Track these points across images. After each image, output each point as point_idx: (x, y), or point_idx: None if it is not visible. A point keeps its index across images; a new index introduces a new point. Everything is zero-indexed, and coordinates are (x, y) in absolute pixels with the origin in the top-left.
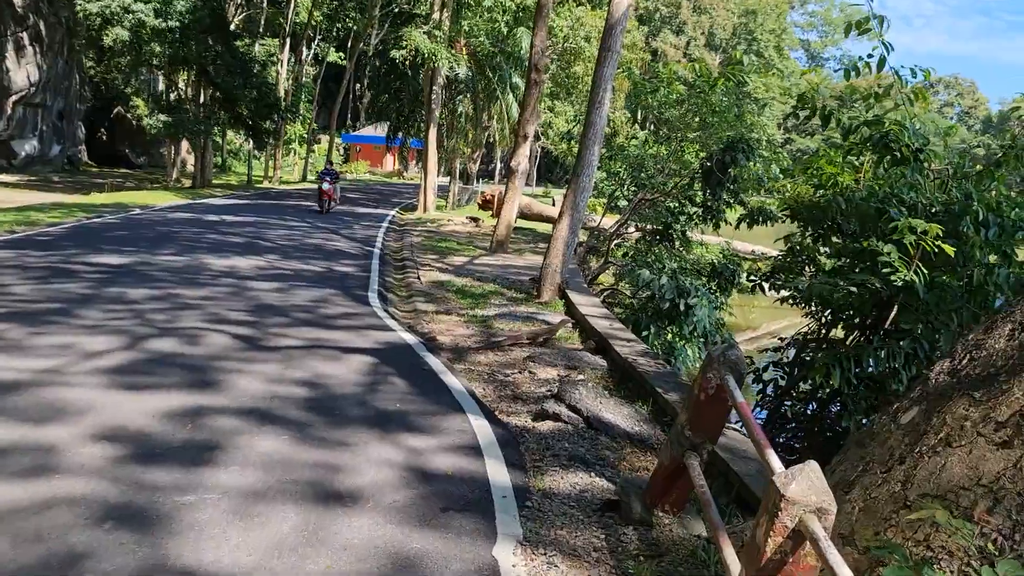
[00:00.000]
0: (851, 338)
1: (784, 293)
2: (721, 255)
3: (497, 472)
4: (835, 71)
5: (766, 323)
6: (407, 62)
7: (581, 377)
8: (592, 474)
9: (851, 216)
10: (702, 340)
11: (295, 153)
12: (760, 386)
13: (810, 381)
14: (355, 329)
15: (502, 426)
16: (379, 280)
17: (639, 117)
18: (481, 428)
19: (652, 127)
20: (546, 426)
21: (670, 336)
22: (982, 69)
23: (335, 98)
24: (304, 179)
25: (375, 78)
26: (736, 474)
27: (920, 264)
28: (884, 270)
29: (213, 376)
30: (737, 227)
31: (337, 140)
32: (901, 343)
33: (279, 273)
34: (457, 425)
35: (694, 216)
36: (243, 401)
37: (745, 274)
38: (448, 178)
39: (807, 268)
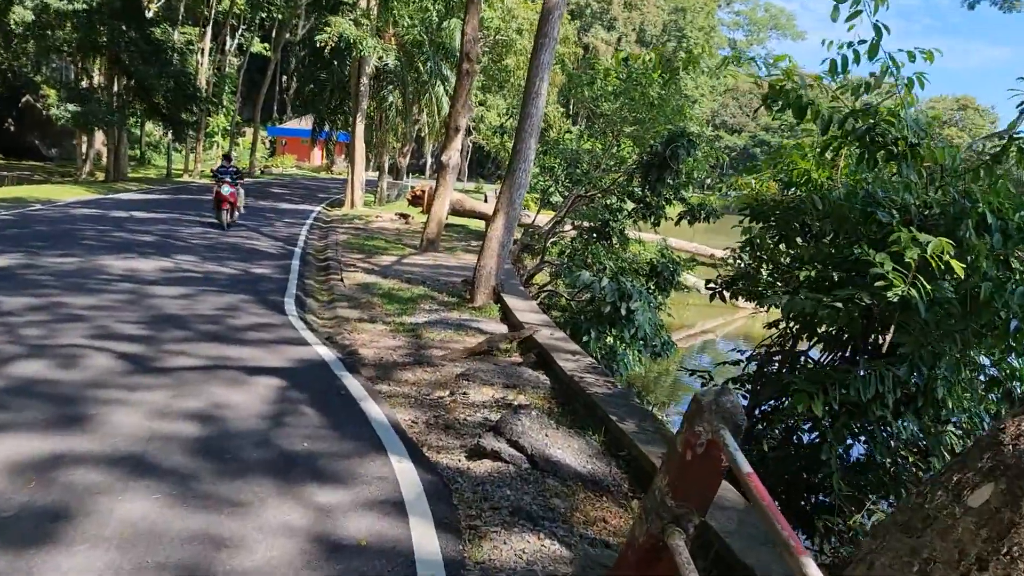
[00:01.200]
0: (828, 357)
1: (746, 304)
2: (660, 254)
3: (424, 537)
4: (819, 63)
5: (701, 321)
6: (333, 50)
7: (522, 399)
8: (541, 535)
9: (828, 218)
10: (642, 343)
11: (218, 146)
12: None
13: (781, 402)
14: (266, 344)
15: (431, 469)
16: (298, 283)
17: (573, 110)
18: (405, 474)
19: (586, 122)
20: (484, 467)
21: (611, 339)
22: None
23: (260, 89)
24: None
25: (301, 68)
26: (737, 557)
27: (919, 277)
28: (876, 283)
29: (83, 410)
30: (677, 224)
31: (262, 133)
32: (898, 370)
33: (187, 276)
34: (376, 470)
35: (632, 213)
36: (114, 445)
37: (704, 281)
38: (377, 173)
39: (764, 268)
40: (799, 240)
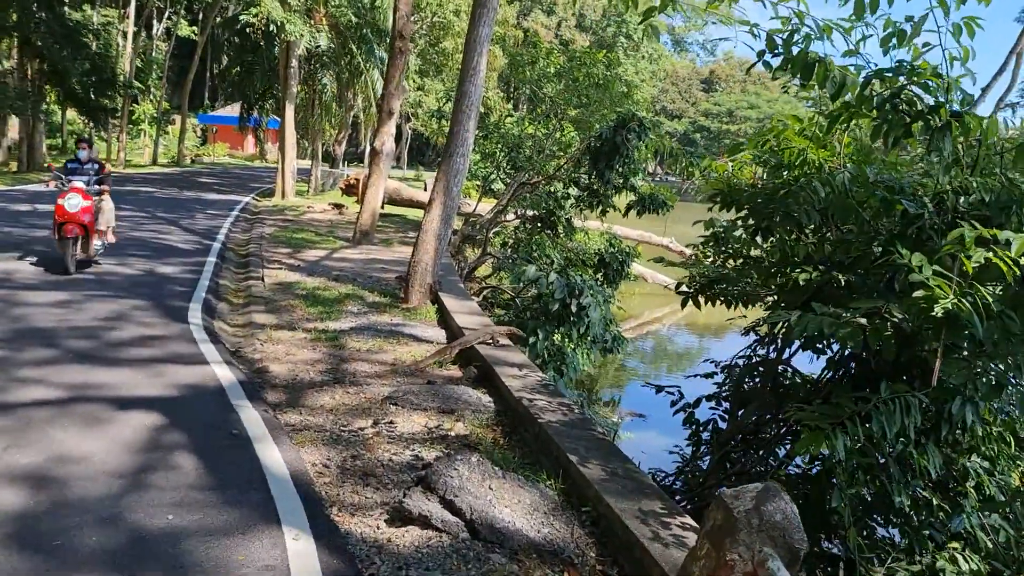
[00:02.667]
0: (824, 376)
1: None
2: (609, 244)
3: None
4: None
5: (648, 310)
6: (261, 32)
7: (460, 428)
8: None
9: (830, 208)
10: (593, 343)
11: (146, 134)
12: (691, 428)
13: (767, 422)
14: (151, 364)
15: (338, 548)
16: (211, 284)
17: (514, 94)
18: (302, 558)
19: (528, 106)
20: (410, 537)
21: (559, 338)
22: (835, 56)
23: (188, 75)
24: (155, 162)
25: (229, 52)
26: None
27: (976, 286)
28: (917, 294)
29: None
30: (626, 215)
31: (192, 121)
32: (944, 403)
33: (75, 279)
34: (263, 555)
35: (579, 201)
36: None
37: (674, 284)
38: (311, 161)
39: (731, 264)
40: (789, 235)
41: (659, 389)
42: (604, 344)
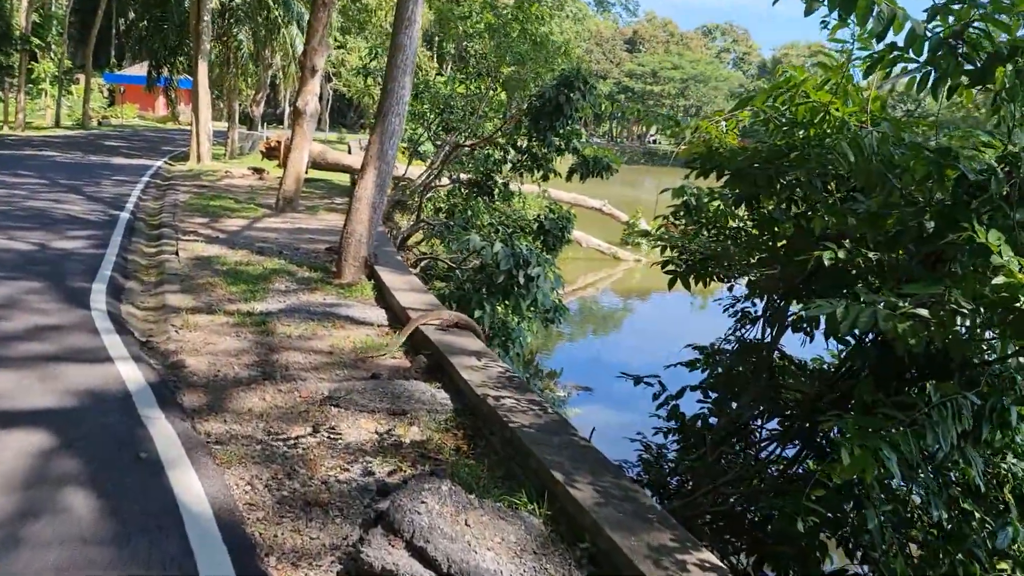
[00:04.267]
0: (840, 367)
1: (626, 255)
2: (549, 209)
3: None
4: None
5: (582, 275)
6: None
7: (415, 432)
8: None
9: (858, 172)
10: (542, 315)
11: (47, 95)
12: (676, 423)
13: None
14: (42, 364)
15: None
16: (117, 260)
17: (440, 52)
18: None
19: (458, 63)
20: None
21: (501, 310)
22: (753, 18)
23: (91, 31)
24: (57, 124)
25: (136, 6)
26: None
27: None
28: (997, 280)
29: None
30: (569, 179)
31: (99, 80)
32: (986, 399)
33: None
34: None
35: (518, 165)
36: None
37: (660, 264)
38: (227, 123)
39: (707, 234)
40: (785, 204)
41: (637, 381)
42: (547, 316)
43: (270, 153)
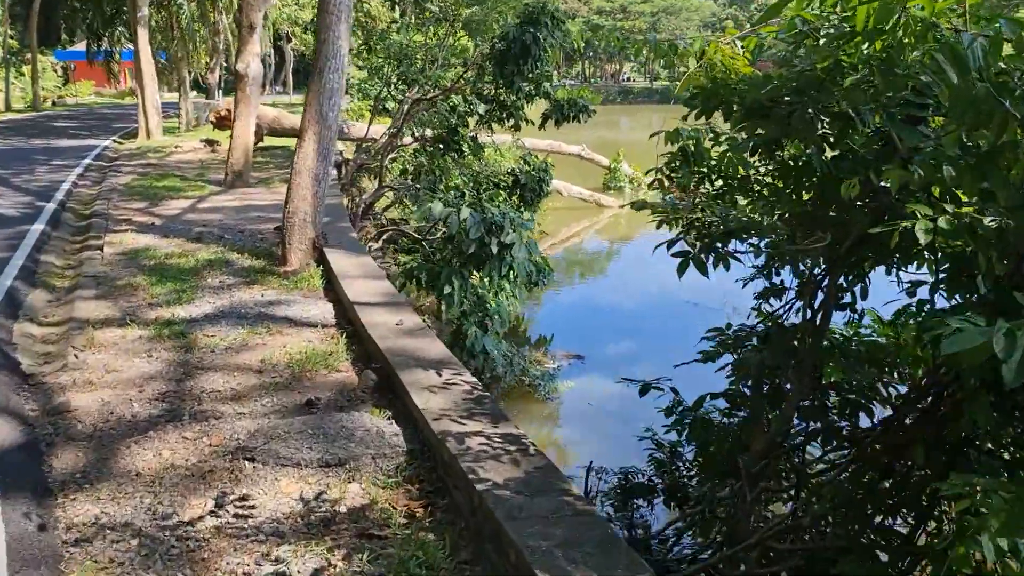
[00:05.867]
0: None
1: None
2: (524, 162)
3: None
4: None
5: (564, 227)
6: None
7: (356, 493)
8: None
9: (964, 102)
10: (523, 284)
11: None
12: (695, 444)
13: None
14: None
15: None
16: (25, 265)
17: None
18: None
19: (413, 10)
20: None
21: (476, 283)
22: None
23: (32, 6)
24: (8, 108)
25: None
26: None
27: None
28: None
29: None
30: (542, 127)
31: (51, 59)
32: None
33: None
34: None
35: (486, 116)
36: None
37: (677, 233)
38: (179, 93)
39: (706, 188)
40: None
41: (645, 389)
42: (530, 279)
43: (221, 123)
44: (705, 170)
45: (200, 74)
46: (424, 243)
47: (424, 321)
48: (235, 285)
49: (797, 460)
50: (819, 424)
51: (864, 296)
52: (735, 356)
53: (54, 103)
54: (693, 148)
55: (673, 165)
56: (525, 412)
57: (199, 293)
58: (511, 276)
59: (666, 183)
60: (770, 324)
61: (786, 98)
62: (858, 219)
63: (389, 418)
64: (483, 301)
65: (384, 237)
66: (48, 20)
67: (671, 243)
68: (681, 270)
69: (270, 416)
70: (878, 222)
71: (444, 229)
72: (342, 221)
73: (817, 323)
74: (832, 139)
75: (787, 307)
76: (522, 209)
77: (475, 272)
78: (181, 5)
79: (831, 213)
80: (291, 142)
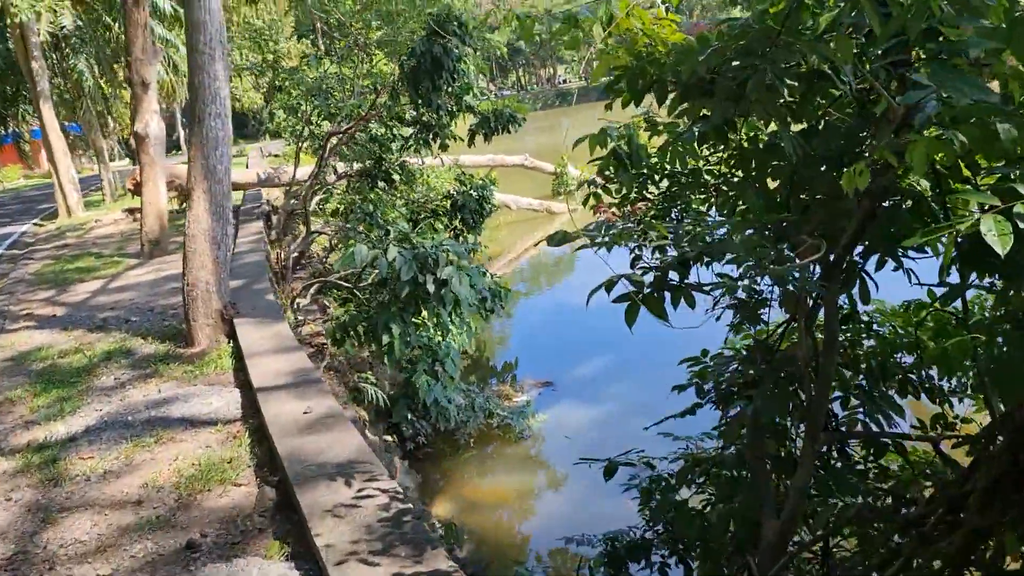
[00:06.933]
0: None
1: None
2: (459, 182)
3: None
4: None
5: (519, 240)
6: None
7: None
8: None
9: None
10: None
11: None
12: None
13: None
14: None
15: None
16: None
17: (302, 29)
18: None
19: (325, 41)
20: None
21: (422, 327)
22: None
23: None
24: None
25: None
26: None
27: None
28: None
29: None
30: (471, 144)
31: None
32: None
33: None
34: None
35: (411, 140)
36: None
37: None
38: (98, 164)
39: (652, 192)
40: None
41: (610, 471)
42: (484, 308)
43: (138, 189)
44: (646, 171)
45: (123, 139)
46: (356, 291)
47: (352, 394)
48: (130, 381)
49: (827, 547)
50: (850, 499)
51: (866, 300)
52: (718, 399)
53: None
54: (627, 148)
55: (607, 173)
56: (499, 458)
57: (86, 399)
58: (456, 312)
59: (603, 197)
60: (758, 361)
61: (733, 63)
62: (847, 210)
63: (288, 558)
64: (430, 346)
65: (312, 290)
66: None
67: (609, 285)
68: (630, 317)
69: (138, 574)
70: (875, 209)
71: (376, 272)
72: (260, 281)
73: (820, 349)
74: (795, 108)
75: (778, 333)
76: (465, 233)
77: (417, 315)
78: (82, 72)
79: (810, 205)
80: None
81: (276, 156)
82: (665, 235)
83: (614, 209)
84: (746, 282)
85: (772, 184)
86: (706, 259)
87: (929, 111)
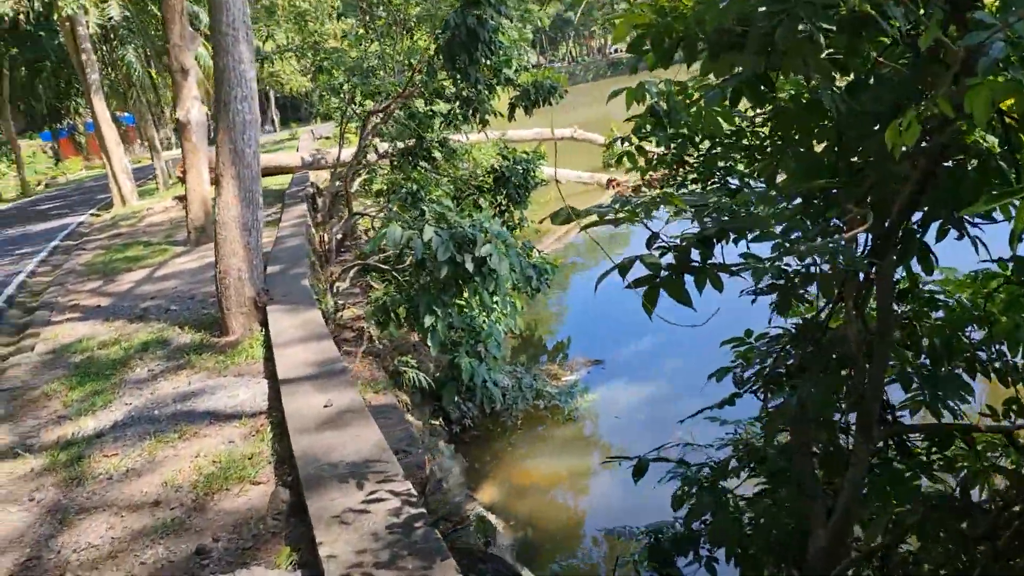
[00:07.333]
0: None
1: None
2: (501, 156)
3: None
4: None
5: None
6: (28, 16)
7: None
8: None
9: None
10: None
11: None
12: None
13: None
14: None
15: None
16: None
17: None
18: None
19: (366, 19)
20: None
21: (464, 304)
22: None
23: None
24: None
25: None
26: None
27: None
28: None
29: None
30: (511, 118)
31: (35, 141)
32: None
33: None
34: None
35: (450, 116)
36: None
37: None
38: (151, 153)
39: (693, 156)
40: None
41: (640, 470)
42: (530, 285)
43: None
44: (685, 131)
45: (175, 127)
46: (395, 273)
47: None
48: (163, 373)
49: (886, 558)
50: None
51: (929, 271)
52: (762, 385)
53: (46, 185)
54: (665, 105)
55: (643, 131)
56: (547, 440)
57: (118, 392)
58: (497, 291)
59: (638, 159)
60: (805, 343)
61: (761, 9)
62: (902, 173)
63: (294, 567)
64: (472, 326)
65: (352, 273)
66: (31, 105)
67: (623, 268)
68: (649, 302)
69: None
70: (934, 171)
71: (413, 256)
72: (298, 266)
73: (872, 332)
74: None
75: (823, 314)
76: (511, 209)
77: (458, 294)
78: (131, 63)
79: (862, 168)
80: (271, 180)
81: (327, 138)
82: (683, 207)
83: (627, 181)
84: (775, 263)
85: (819, 147)
86: (734, 235)
87: (995, 54)
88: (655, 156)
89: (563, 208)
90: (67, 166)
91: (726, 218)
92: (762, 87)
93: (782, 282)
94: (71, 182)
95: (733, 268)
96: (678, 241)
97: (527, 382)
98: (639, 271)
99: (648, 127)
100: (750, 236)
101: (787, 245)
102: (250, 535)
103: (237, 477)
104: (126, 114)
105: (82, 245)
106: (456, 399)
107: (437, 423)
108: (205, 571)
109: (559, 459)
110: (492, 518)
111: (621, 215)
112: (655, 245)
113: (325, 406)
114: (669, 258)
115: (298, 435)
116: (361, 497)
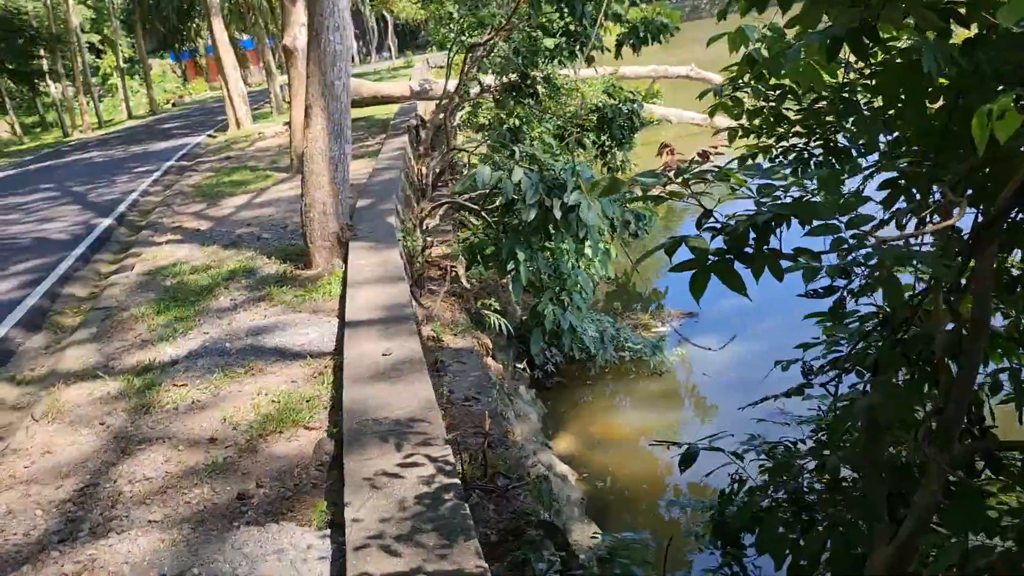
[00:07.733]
0: None
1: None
2: (607, 95)
3: None
4: None
5: (679, 157)
6: None
7: None
8: None
9: None
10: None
11: (125, 88)
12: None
13: None
14: None
15: None
16: (37, 305)
17: None
18: None
19: None
20: None
21: (554, 250)
22: None
23: (135, 15)
24: (130, 116)
25: None
26: None
27: None
28: None
29: None
30: (618, 55)
31: (165, 61)
32: None
33: None
34: None
35: (555, 51)
36: None
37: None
38: (266, 77)
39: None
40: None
41: (688, 460)
42: (628, 232)
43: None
44: (787, 83)
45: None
46: (484, 213)
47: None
48: (243, 304)
49: None
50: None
51: None
52: (832, 379)
53: (174, 104)
54: (766, 53)
55: (740, 82)
56: (630, 393)
57: (199, 320)
58: (589, 238)
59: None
60: (877, 336)
61: None
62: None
63: (325, 526)
64: (559, 272)
65: (442, 211)
66: (155, 26)
67: (671, 248)
68: (696, 289)
69: (183, 527)
70: None
71: (502, 198)
72: (387, 201)
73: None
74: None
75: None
76: (613, 148)
77: (547, 239)
78: None
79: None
80: (375, 110)
81: (441, 67)
82: (742, 183)
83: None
84: (840, 262)
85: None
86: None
87: None
88: (751, 109)
89: (606, 177)
90: (194, 86)
91: (787, 200)
92: (865, 39)
93: (843, 283)
94: (195, 102)
95: (785, 261)
96: (732, 223)
97: (610, 333)
98: (685, 254)
99: (746, 78)
100: (805, 229)
101: (850, 241)
102: (292, 484)
103: (292, 420)
104: (245, 37)
105: (195, 166)
106: (542, 343)
107: (521, 366)
108: (241, 520)
109: (642, 413)
110: (565, 469)
111: (669, 190)
112: (705, 225)
113: (384, 354)
114: (720, 241)
115: (351, 384)
116: (397, 460)
